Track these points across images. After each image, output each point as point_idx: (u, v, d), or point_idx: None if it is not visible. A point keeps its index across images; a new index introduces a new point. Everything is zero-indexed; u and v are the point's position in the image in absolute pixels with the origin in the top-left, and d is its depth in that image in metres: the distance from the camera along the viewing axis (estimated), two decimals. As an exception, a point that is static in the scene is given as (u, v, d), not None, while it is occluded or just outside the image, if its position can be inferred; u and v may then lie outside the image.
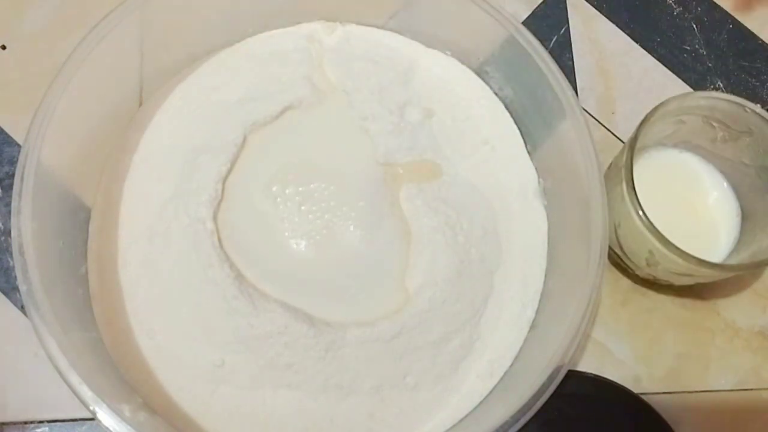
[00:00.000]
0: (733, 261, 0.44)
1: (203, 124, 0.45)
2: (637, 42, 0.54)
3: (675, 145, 0.47)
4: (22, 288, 0.35)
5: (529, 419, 0.36)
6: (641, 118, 0.42)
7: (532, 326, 0.43)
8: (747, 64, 0.54)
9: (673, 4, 0.55)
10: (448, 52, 0.48)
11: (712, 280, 0.44)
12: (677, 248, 0.39)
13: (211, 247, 0.41)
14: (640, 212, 0.40)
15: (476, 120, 0.47)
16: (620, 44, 0.54)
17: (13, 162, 0.46)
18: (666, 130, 0.45)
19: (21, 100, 0.47)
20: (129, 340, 0.40)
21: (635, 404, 0.44)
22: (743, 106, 0.42)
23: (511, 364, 0.42)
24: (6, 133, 0.47)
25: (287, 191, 0.44)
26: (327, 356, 0.40)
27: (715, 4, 0.56)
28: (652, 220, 0.40)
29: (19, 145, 0.47)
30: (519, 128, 0.47)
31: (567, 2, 0.55)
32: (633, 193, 0.40)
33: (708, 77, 0.53)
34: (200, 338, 0.40)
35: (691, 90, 0.53)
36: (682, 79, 0.53)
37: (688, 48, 0.54)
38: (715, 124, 0.44)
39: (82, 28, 0.40)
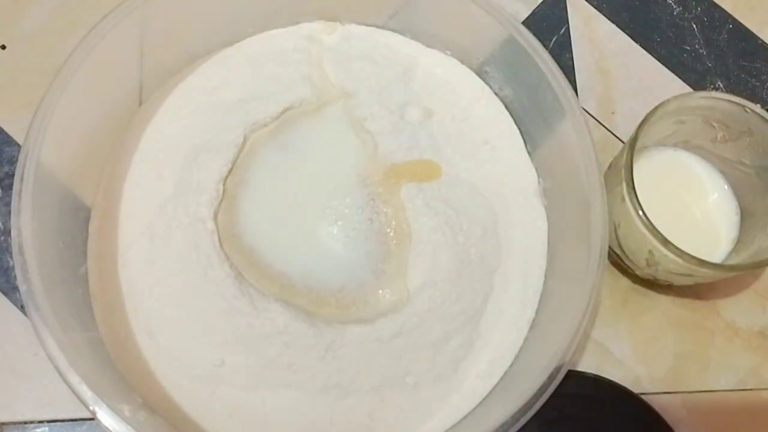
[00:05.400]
0: (733, 261, 0.44)
1: (203, 124, 0.45)
2: (637, 42, 0.54)
3: (675, 145, 0.47)
4: (22, 288, 0.35)
5: (529, 419, 0.36)
6: (641, 118, 0.42)
7: (532, 326, 0.43)
8: (747, 64, 0.54)
9: (673, 4, 0.55)
10: (448, 52, 0.48)
11: (712, 280, 0.44)
12: (677, 248, 0.39)
13: (211, 247, 0.41)
14: (640, 212, 0.40)
15: (476, 120, 0.47)
16: (620, 44, 0.54)
17: (13, 162, 0.46)
18: (666, 130, 0.45)
19: (21, 100, 0.47)
20: (129, 340, 0.40)
21: (635, 404, 0.44)
22: (743, 106, 0.42)
23: (511, 364, 0.42)
24: (6, 133, 0.47)
25: (287, 191, 0.44)
26: (327, 356, 0.40)
27: (715, 4, 0.56)
28: (652, 220, 0.40)
29: (19, 145, 0.47)
30: (519, 128, 0.47)
31: (567, 2, 0.55)
32: (633, 193, 0.40)
33: (708, 77, 0.53)
34: (200, 338, 0.40)
35: (691, 90, 0.53)
36: (682, 79, 0.53)
37: (688, 48, 0.54)
38: (715, 124, 0.44)
39: (82, 28, 0.40)
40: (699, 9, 0.55)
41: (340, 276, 0.42)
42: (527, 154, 0.47)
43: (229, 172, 0.43)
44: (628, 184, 0.40)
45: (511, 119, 0.47)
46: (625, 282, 0.47)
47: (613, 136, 0.51)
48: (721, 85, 0.53)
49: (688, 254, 0.39)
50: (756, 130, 0.43)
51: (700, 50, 0.54)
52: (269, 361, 0.40)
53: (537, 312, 0.43)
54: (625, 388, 0.44)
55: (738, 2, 0.56)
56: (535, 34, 0.43)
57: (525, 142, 0.47)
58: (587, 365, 0.45)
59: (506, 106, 0.48)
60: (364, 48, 0.48)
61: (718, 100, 0.42)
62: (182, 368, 0.40)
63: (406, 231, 0.43)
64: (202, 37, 0.47)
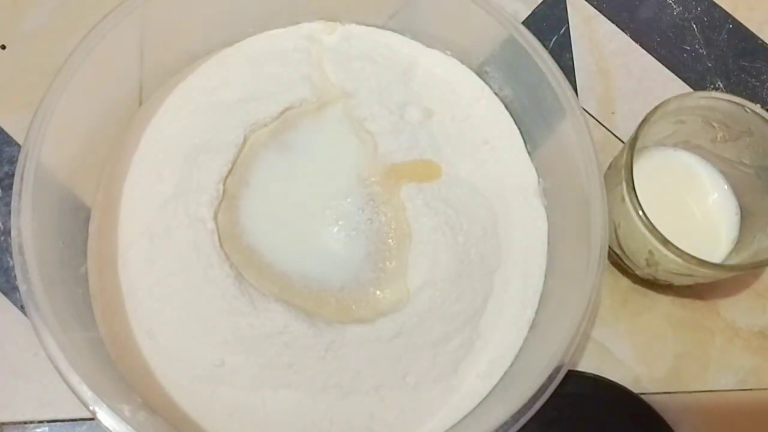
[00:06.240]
0: (733, 261, 0.44)
1: (203, 124, 0.45)
2: (637, 42, 0.54)
3: (675, 145, 0.47)
4: (22, 288, 0.35)
5: (529, 419, 0.36)
6: (641, 118, 0.42)
7: (532, 326, 0.43)
8: (747, 64, 0.54)
9: (673, 4, 0.55)
10: (448, 52, 0.48)
11: (712, 280, 0.44)
12: (677, 248, 0.39)
13: (211, 247, 0.41)
14: (640, 212, 0.40)
15: (476, 120, 0.47)
16: (620, 44, 0.54)
17: (13, 162, 0.46)
18: (666, 130, 0.45)
19: (21, 100, 0.47)
20: (129, 340, 0.40)
21: (635, 404, 0.44)
22: (743, 106, 0.42)
23: (511, 364, 0.42)
24: (6, 133, 0.47)
25: (287, 191, 0.44)
26: (327, 356, 0.40)
27: (715, 4, 0.56)
28: (652, 220, 0.40)
29: (19, 145, 0.47)
30: (519, 128, 0.47)
31: (567, 2, 0.55)
32: (633, 193, 0.40)
33: (708, 77, 0.53)
34: (200, 338, 0.40)
35: (691, 90, 0.53)
36: (682, 79, 0.53)
37: (688, 48, 0.54)
38: (715, 124, 0.44)
39: (82, 28, 0.40)
40: (699, 9, 0.55)
41: (340, 276, 0.42)
42: (527, 154, 0.47)
43: (229, 172, 0.43)
44: (628, 184, 0.40)
45: (511, 119, 0.47)
46: (625, 282, 0.47)
47: (613, 136, 0.51)
48: (721, 85, 0.53)
49: (688, 254, 0.39)
50: (756, 130, 0.43)
51: (700, 50, 0.54)
52: (269, 361, 0.40)
53: (537, 312, 0.43)
54: (625, 388, 0.44)
55: (738, 2, 0.56)
56: (535, 34, 0.43)
57: (525, 142, 0.47)
58: (587, 365, 0.45)
59: (506, 106, 0.48)
60: (364, 48, 0.48)
61: (718, 100, 0.42)
62: (182, 368, 0.40)
63: (406, 231, 0.43)
64: (202, 37, 0.47)
